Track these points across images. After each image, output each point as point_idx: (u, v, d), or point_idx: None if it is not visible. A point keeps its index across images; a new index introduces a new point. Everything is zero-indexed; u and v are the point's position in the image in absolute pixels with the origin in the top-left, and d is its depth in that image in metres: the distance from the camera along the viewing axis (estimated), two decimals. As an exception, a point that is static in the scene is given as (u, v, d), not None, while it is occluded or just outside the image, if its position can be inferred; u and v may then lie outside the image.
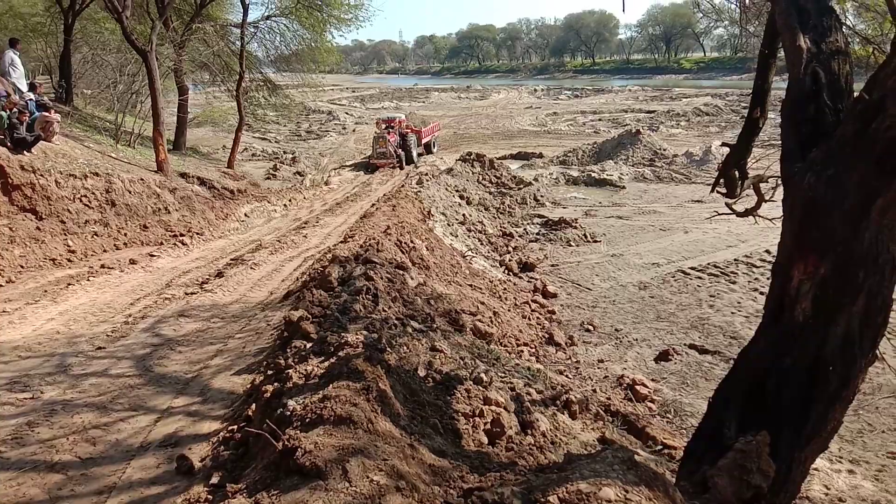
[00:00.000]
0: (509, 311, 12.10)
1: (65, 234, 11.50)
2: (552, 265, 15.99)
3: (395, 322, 6.29)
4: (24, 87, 13.61)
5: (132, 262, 11.26)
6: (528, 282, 14.58)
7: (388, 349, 4.47)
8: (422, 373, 4.89)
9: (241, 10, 22.39)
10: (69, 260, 11.03)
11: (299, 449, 3.25)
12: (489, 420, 4.30)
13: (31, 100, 12.94)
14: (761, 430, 3.03)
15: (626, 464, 2.77)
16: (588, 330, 11.98)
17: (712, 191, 5.26)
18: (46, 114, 12.75)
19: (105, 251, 11.84)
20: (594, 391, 8.96)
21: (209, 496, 3.77)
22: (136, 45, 15.60)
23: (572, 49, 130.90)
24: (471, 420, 4.25)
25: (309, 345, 5.24)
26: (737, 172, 4.73)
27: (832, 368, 2.97)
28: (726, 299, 12.83)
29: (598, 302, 13.59)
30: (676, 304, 13.11)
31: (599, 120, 45.96)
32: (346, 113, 52.21)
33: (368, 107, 60.01)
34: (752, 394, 3.17)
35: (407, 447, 3.41)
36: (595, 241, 17.83)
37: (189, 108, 30.58)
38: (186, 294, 9.58)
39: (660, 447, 5.87)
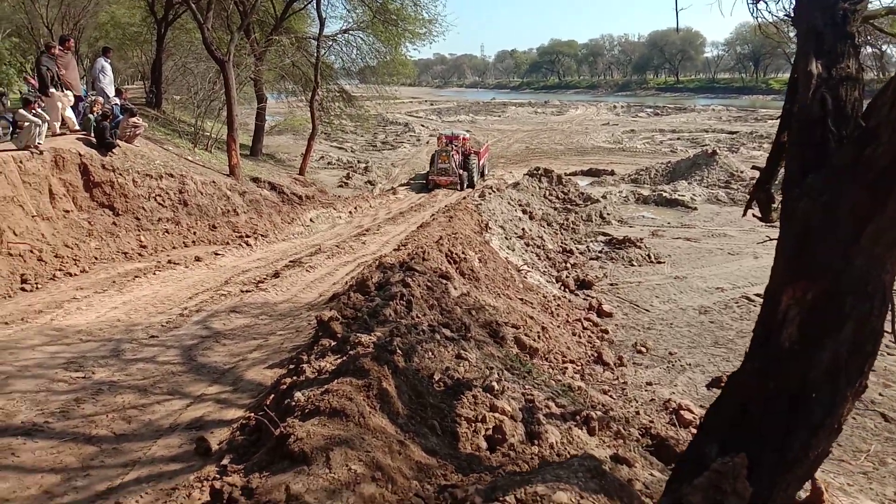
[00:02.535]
0: (559, 327, 12.02)
1: (138, 230, 12.31)
2: (611, 284, 15.75)
3: (425, 329, 6.41)
4: (111, 93, 14.65)
5: (197, 259, 11.87)
6: (584, 299, 14.43)
7: (398, 351, 4.60)
8: (436, 377, 5.00)
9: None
10: (140, 254, 11.78)
11: (292, 436, 3.44)
12: (491, 426, 4.35)
13: (116, 104, 13.92)
14: (742, 452, 2.99)
15: (591, 472, 2.80)
16: (640, 351, 11.75)
17: (744, 214, 5.18)
18: (132, 118, 13.68)
19: (174, 248, 12.57)
20: (637, 413, 8.80)
21: (217, 475, 4.00)
22: (214, 55, 16.50)
23: (656, 66, 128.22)
24: (472, 425, 4.32)
25: (333, 343, 5.45)
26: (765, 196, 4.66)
27: (816, 395, 2.90)
28: (788, 328, 12.28)
29: (655, 324, 13.30)
30: (737, 330, 12.65)
31: (678, 139, 44.86)
32: (422, 125, 53.05)
33: (444, 119, 60.74)
34: (737, 417, 3.12)
35: (396, 443, 3.53)
36: (659, 262, 17.44)
37: (272, 117, 31.83)
38: (242, 291, 10.04)
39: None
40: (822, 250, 2.95)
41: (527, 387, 6.33)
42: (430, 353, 5.78)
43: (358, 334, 5.13)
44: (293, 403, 4.01)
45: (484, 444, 4.25)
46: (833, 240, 2.92)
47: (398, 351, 4.60)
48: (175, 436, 4.98)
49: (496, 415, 4.45)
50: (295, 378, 4.78)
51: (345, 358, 4.57)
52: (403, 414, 4.04)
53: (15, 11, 26.72)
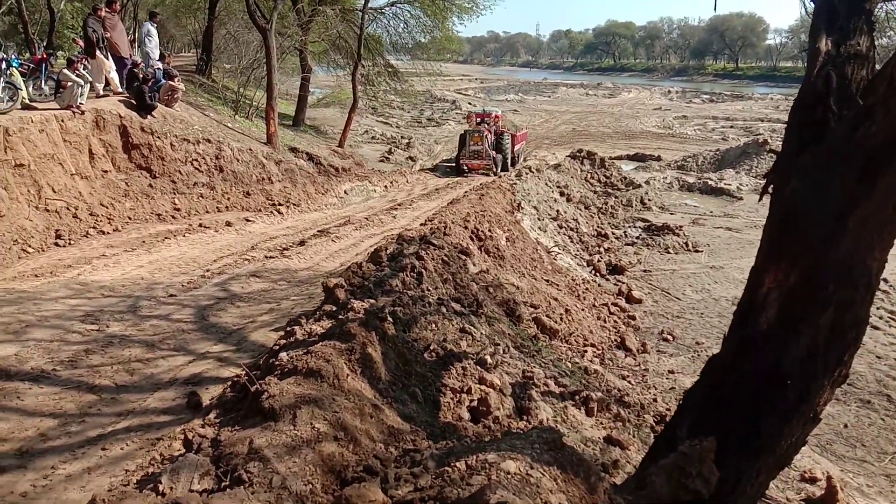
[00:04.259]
0: (584, 310, 11.86)
1: (173, 193, 12.58)
2: (644, 270, 15.46)
3: (432, 301, 6.39)
4: (155, 56, 14.93)
5: (228, 224, 12.07)
6: (615, 284, 14.20)
7: (389, 318, 4.59)
8: (431, 347, 4.98)
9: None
10: (173, 217, 12.04)
11: (266, 393, 3.47)
12: (476, 398, 4.32)
13: (158, 68, 14.19)
14: (712, 435, 2.89)
15: (548, 444, 2.73)
16: (666, 339, 11.53)
17: (760, 199, 5.01)
18: (171, 82, 13.94)
19: (207, 212, 12.80)
20: (654, 400, 8.66)
21: (201, 427, 4.09)
22: (256, 22, 16.65)
23: (715, 52, 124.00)
24: (457, 395, 4.29)
25: (333, 309, 5.48)
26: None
27: (790, 381, 2.77)
28: (823, 324, 11.87)
29: (685, 313, 13.02)
30: (769, 323, 12.29)
31: (731, 127, 43.50)
32: (469, 103, 52.69)
33: (493, 98, 60.20)
34: (709, 398, 3.02)
35: (369, 406, 3.52)
36: (696, 251, 17.02)
37: (321, 90, 31.86)
38: (266, 257, 10.18)
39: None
40: (808, 232, 2.81)
41: (531, 364, 6.27)
42: (434, 325, 5.75)
43: (353, 300, 5.14)
44: (277, 363, 4.05)
45: (467, 416, 4.22)
46: (820, 221, 2.78)
47: (389, 318, 4.58)
48: (172, 390, 5.12)
49: (482, 387, 4.41)
50: (287, 340, 4.83)
51: (334, 322, 4.59)
52: (385, 379, 4.03)
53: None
